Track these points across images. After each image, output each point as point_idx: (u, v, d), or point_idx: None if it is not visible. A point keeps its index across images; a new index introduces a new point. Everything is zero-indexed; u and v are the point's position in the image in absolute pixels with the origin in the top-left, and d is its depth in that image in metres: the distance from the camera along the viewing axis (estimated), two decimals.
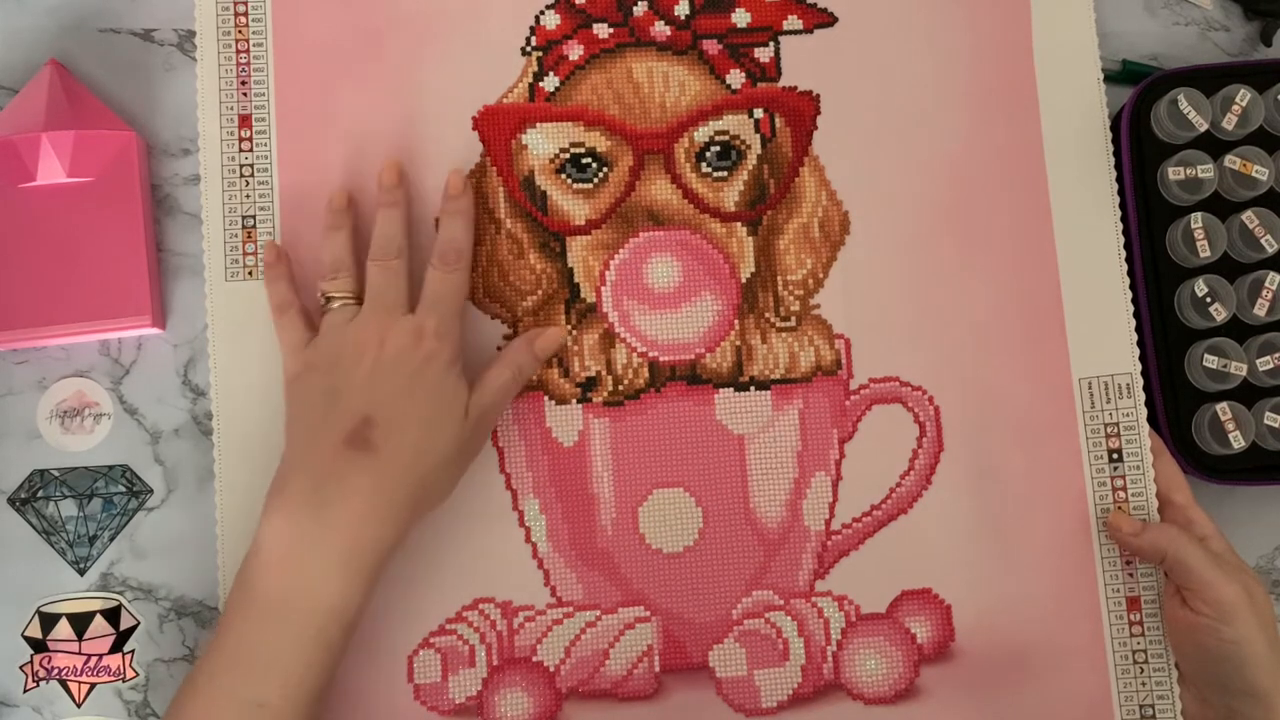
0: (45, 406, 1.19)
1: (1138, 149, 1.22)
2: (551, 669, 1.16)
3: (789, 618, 1.18)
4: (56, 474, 1.18)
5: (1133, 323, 1.20)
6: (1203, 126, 1.19)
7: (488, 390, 1.12)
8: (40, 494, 1.17)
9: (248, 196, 1.18)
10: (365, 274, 1.14)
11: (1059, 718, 1.18)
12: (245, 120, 1.19)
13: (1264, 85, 1.21)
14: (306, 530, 1.04)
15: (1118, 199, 1.22)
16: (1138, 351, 1.20)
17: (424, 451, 1.08)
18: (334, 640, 1.04)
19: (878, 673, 1.17)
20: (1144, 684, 1.17)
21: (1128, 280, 1.20)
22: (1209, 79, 1.22)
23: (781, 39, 1.22)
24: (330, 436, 1.06)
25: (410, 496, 1.07)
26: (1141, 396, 1.19)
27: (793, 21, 1.22)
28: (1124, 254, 1.21)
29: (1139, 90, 1.23)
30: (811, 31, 1.23)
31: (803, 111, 1.22)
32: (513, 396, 1.16)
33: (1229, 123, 1.20)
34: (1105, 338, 1.20)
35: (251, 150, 1.19)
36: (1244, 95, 1.20)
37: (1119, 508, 1.18)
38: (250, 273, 1.17)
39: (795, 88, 1.22)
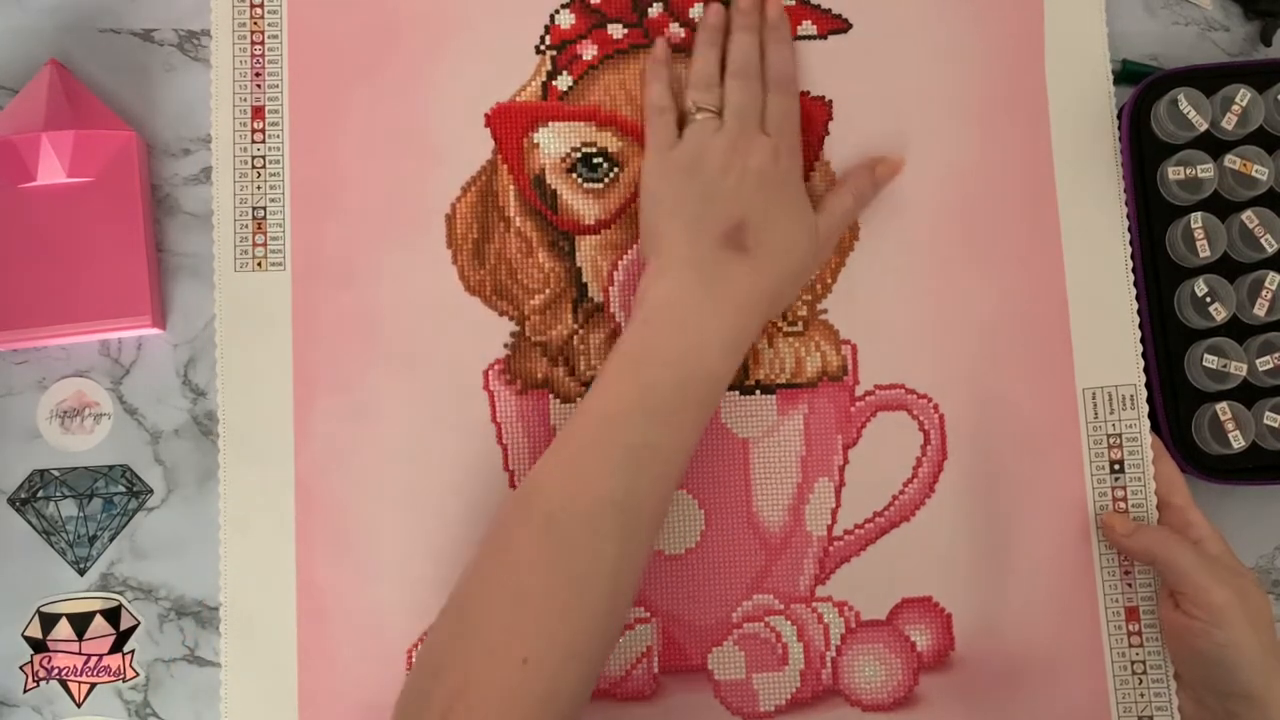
0: (45, 406, 1.18)
1: (1138, 149, 1.22)
2: None
3: (789, 622, 1.18)
4: (56, 474, 1.18)
5: (1138, 334, 1.20)
6: (1203, 126, 1.19)
7: (831, 213, 1.18)
8: (40, 494, 1.17)
9: (259, 188, 1.18)
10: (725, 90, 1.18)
11: None
12: (259, 112, 1.19)
13: (1264, 85, 1.21)
14: (700, 302, 1.10)
15: (1126, 209, 1.22)
16: (1142, 363, 1.20)
17: (788, 255, 1.14)
18: (713, 405, 1.12)
19: (876, 679, 1.18)
20: (1142, 694, 1.17)
21: (1134, 291, 1.21)
22: (1209, 79, 1.22)
23: (795, 44, 1.22)
24: (709, 234, 1.11)
25: (773, 297, 1.14)
26: (1145, 409, 1.20)
27: (806, 27, 1.22)
28: (1130, 263, 1.21)
29: (1139, 90, 1.23)
30: (825, 38, 1.23)
31: (815, 117, 1.21)
32: (851, 220, 1.21)
33: (1229, 123, 1.20)
34: (1110, 349, 1.20)
35: (264, 142, 1.18)
36: (1244, 95, 1.20)
37: (1115, 510, 1.19)
38: (259, 264, 1.17)
39: (808, 93, 1.22)
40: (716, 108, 1.16)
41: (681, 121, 1.18)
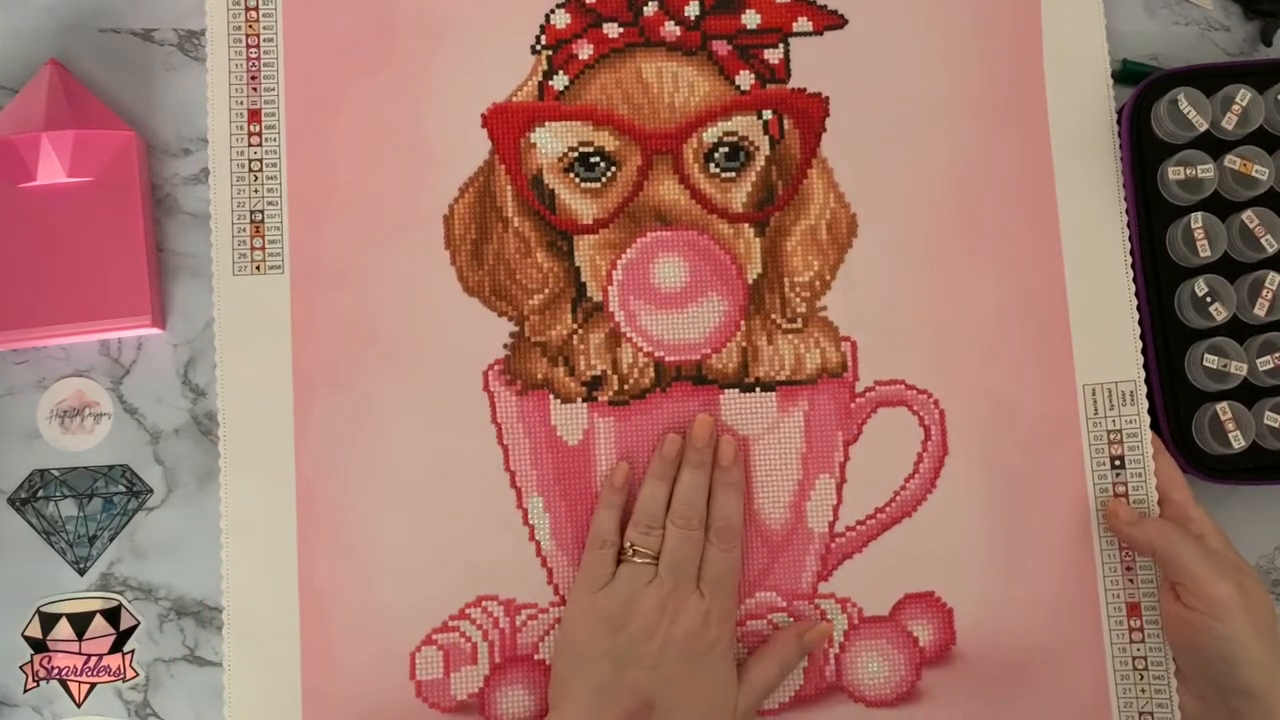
0: (45, 406, 1.18)
1: (1138, 149, 1.22)
2: (552, 667, 1.16)
3: (791, 619, 1.18)
4: (56, 474, 1.17)
5: (1137, 330, 1.21)
6: (1203, 126, 1.20)
7: (754, 688, 1.14)
8: (40, 494, 1.17)
9: (256, 191, 1.18)
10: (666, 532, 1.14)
11: None
12: (255, 115, 1.19)
13: (1264, 85, 1.22)
14: None
15: (1125, 206, 1.22)
16: (1142, 359, 1.20)
17: None
18: None
19: (879, 675, 1.18)
20: (1143, 690, 1.17)
21: (1134, 288, 1.21)
22: (1209, 79, 1.22)
23: (791, 41, 1.22)
24: (612, 711, 1.09)
25: None
26: (1145, 404, 1.20)
27: (803, 23, 1.22)
28: (1130, 260, 1.21)
29: (1139, 90, 1.23)
30: (821, 33, 1.23)
31: (811, 113, 1.22)
32: (776, 688, 1.17)
33: (1229, 123, 1.20)
34: (1110, 344, 1.21)
35: (261, 145, 1.18)
36: (1244, 95, 1.20)
37: (1118, 498, 1.19)
38: (258, 267, 1.17)
39: (804, 90, 1.22)
40: (654, 554, 1.13)
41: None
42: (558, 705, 1.11)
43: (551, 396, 1.18)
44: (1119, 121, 1.23)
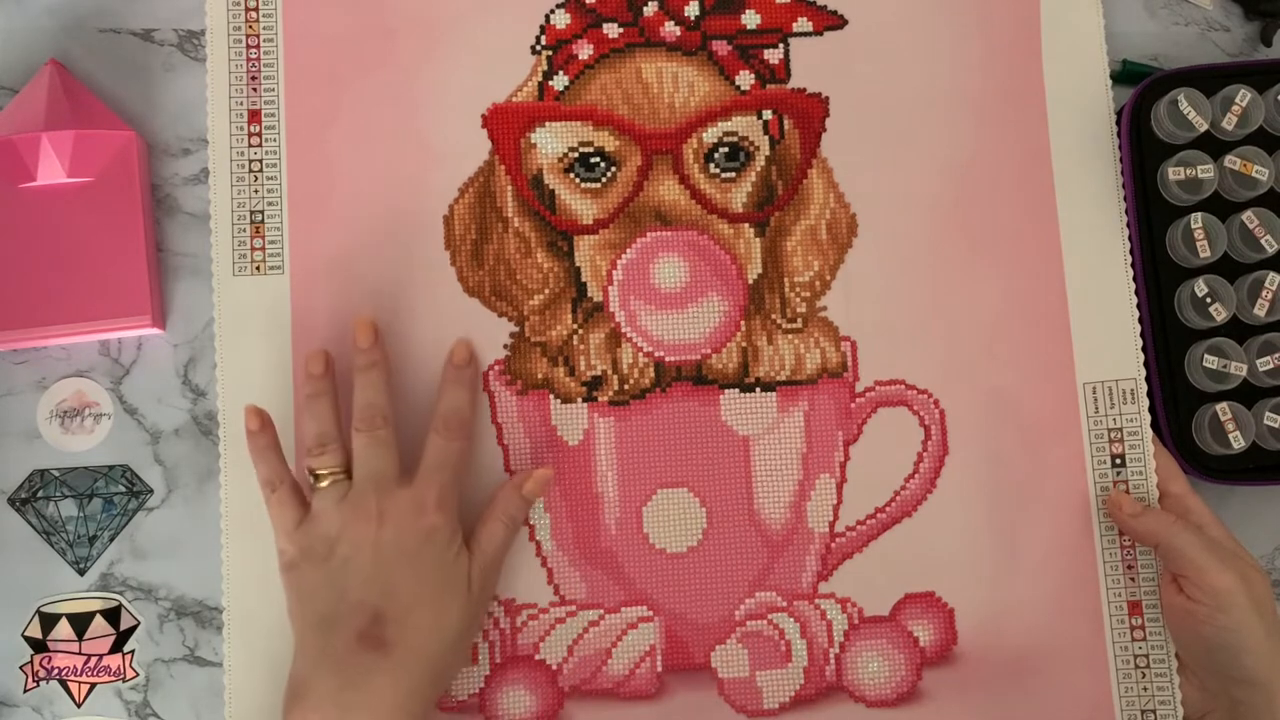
0: (45, 406, 1.18)
1: (1138, 149, 1.22)
2: (554, 667, 1.16)
3: (792, 619, 1.18)
4: (56, 474, 1.17)
5: (1137, 328, 1.20)
6: (1203, 126, 1.20)
7: (486, 553, 1.12)
8: (40, 494, 1.17)
9: (255, 192, 1.18)
10: (351, 444, 1.12)
11: None
12: (255, 116, 1.19)
13: (1264, 85, 1.21)
14: None
15: (1124, 205, 1.22)
16: (1142, 357, 1.20)
17: (437, 637, 1.07)
18: None
19: (880, 675, 1.18)
20: (1145, 688, 1.17)
21: (1134, 286, 1.21)
22: (1209, 79, 1.22)
23: (791, 41, 1.22)
24: (342, 635, 1.05)
25: (430, 681, 1.07)
26: (1145, 402, 1.20)
27: (802, 23, 1.22)
28: (1129, 258, 1.21)
29: (1139, 90, 1.23)
30: (821, 34, 1.23)
31: (811, 113, 1.22)
32: (509, 546, 1.15)
33: (1229, 123, 1.20)
34: (1110, 343, 1.21)
35: (261, 145, 1.18)
36: (1244, 95, 1.20)
37: (1120, 489, 1.19)
38: (258, 268, 1.17)
39: (804, 90, 1.22)
40: (340, 467, 1.11)
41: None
42: (295, 657, 1.08)
43: (552, 397, 1.18)
44: (1119, 122, 1.23)
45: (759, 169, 1.21)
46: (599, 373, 1.18)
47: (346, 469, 1.10)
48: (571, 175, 1.20)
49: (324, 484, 1.10)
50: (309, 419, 1.12)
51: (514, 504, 1.14)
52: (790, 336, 1.19)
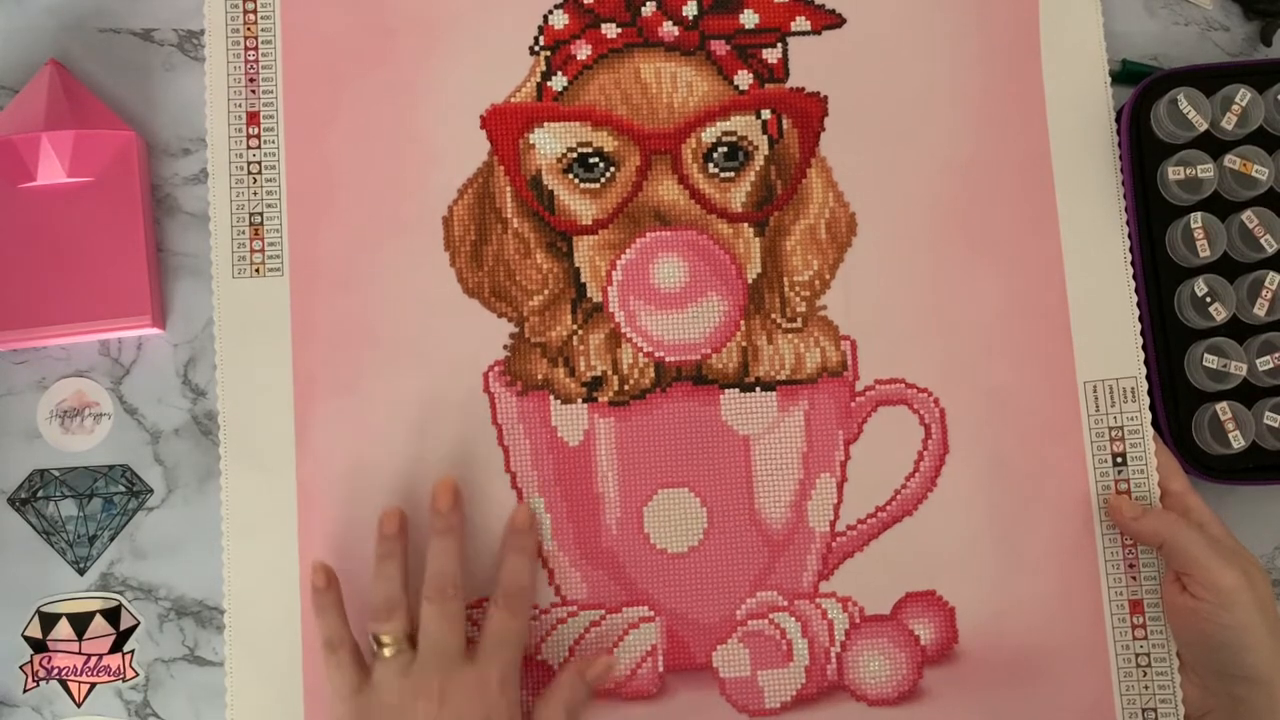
0: (45, 406, 1.18)
1: (1138, 149, 1.22)
2: (555, 668, 1.16)
3: (793, 619, 1.18)
4: (56, 474, 1.18)
5: (1138, 327, 1.20)
6: (1203, 126, 1.20)
7: None
8: (40, 494, 1.17)
9: (255, 194, 1.18)
10: (417, 607, 1.10)
11: None
12: (254, 117, 1.19)
13: (1264, 85, 1.22)
14: None
15: (1124, 203, 1.22)
16: (1142, 355, 1.20)
17: None
18: None
19: (881, 674, 1.17)
20: (1146, 687, 1.17)
21: (1134, 284, 1.21)
22: (1209, 79, 1.22)
23: (789, 40, 1.22)
24: None
25: None
26: (1146, 401, 1.20)
27: (801, 23, 1.22)
28: (1129, 256, 1.21)
29: (1139, 90, 1.23)
30: (819, 33, 1.23)
31: (810, 113, 1.22)
32: None
33: (1229, 123, 1.20)
34: (1110, 341, 1.20)
35: (259, 147, 1.18)
36: (1244, 95, 1.20)
37: (1120, 493, 1.19)
38: (257, 270, 1.17)
39: (803, 89, 1.22)
40: (406, 636, 1.08)
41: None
42: None
43: (552, 397, 1.18)
44: (1119, 121, 1.23)
45: (758, 168, 1.21)
46: (599, 373, 1.18)
47: (411, 637, 1.09)
48: (570, 175, 1.20)
49: (388, 652, 1.08)
50: (378, 580, 1.11)
51: (577, 691, 1.12)
52: (790, 336, 1.19)
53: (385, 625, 1.08)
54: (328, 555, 1.15)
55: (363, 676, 1.08)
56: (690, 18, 1.21)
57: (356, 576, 1.14)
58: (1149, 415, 1.19)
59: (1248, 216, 1.19)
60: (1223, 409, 1.18)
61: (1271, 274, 1.19)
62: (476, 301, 1.19)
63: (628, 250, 1.19)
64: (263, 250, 1.18)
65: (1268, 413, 1.19)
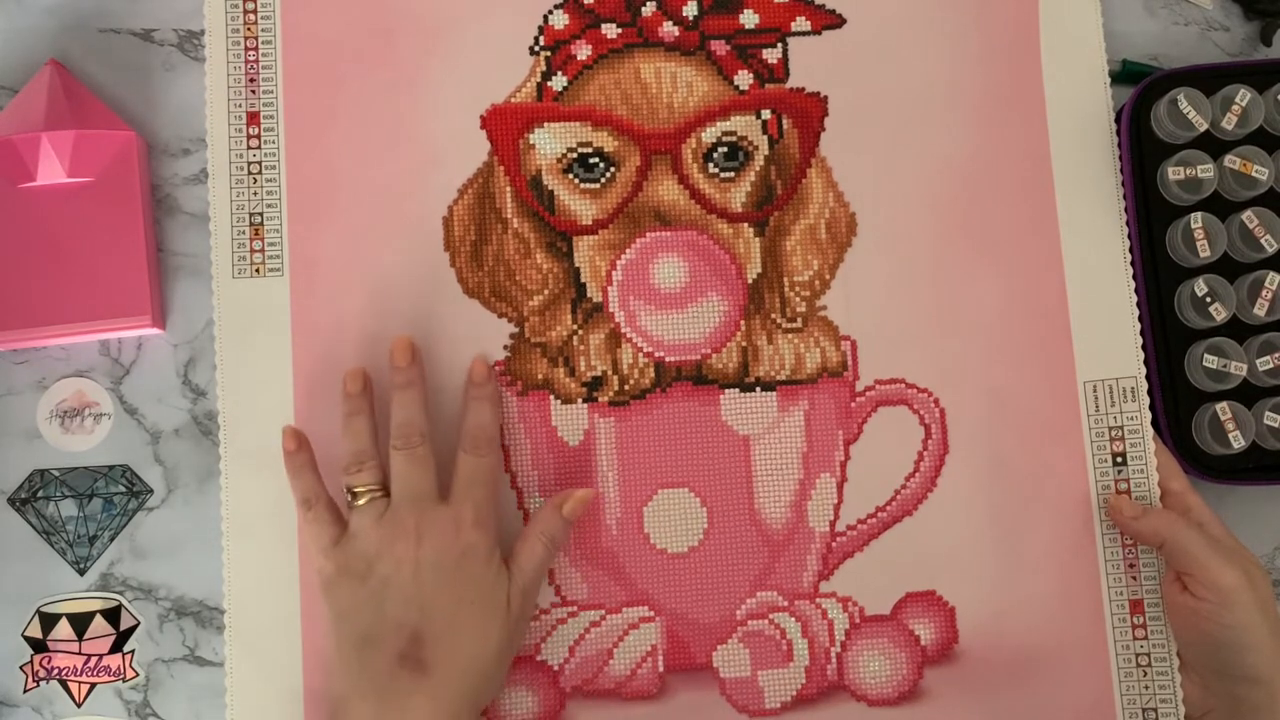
0: (45, 406, 1.18)
1: (1138, 149, 1.22)
2: (555, 668, 1.16)
3: (793, 619, 1.18)
4: (56, 474, 1.18)
5: (1138, 327, 1.20)
6: (1203, 126, 1.20)
7: (525, 572, 1.12)
8: (40, 494, 1.17)
9: (255, 194, 1.18)
10: (389, 461, 1.12)
11: None
12: (254, 117, 1.19)
13: (1264, 85, 1.21)
14: None
15: (1124, 203, 1.22)
16: (1142, 355, 1.20)
17: (476, 657, 1.08)
18: None
19: (881, 674, 1.17)
20: (1146, 687, 1.17)
21: (1134, 284, 1.21)
22: (1209, 79, 1.22)
23: (790, 40, 1.22)
24: (382, 656, 1.05)
25: (470, 701, 1.07)
26: (1146, 401, 1.20)
27: (801, 23, 1.22)
28: (1129, 256, 1.21)
29: (1139, 90, 1.23)
30: (820, 33, 1.23)
31: (810, 113, 1.22)
32: (549, 566, 1.16)
33: (1229, 123, 1.20)
34: (1110, 341, 1.20)
35: (260, 147, 1.18)
36: (1244, 95, 1.20)
37: (1120, 493, 1.19)
38: (257, 270, 1.17)
39: (803, 89, 1.22)
40: (378, 484, 1.11)
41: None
42: (334, 674, 1.08)
43: (552, 397, 1.18)
44: (1119, 121, 1.23)
45: (758, 168, 1.21)
46: (599, 373, 1.18)
47: (384, 486, 1.11)
48: (570, 176, 1.20)
49: (362, 501, 1.10)
50: (346, 436, 1.12)
51: (554, 523, 1.14)
52: (790, 336, 1.19)
53: (358, 477, 1.11)
54: None
55: (340, 529, 1.10)
56: (690, 18, 1.21)
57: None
58: (1149, 415, 1.19)
59: (1248, 216, 1.19)
60: (1223, 409, 1.18)
61: (1271, 274, 1.19)
62: (476, 302, 1.19)
63: (628, 250, 1.19)
64: (263, 250, 1.18)
65: (1268, 413, 1.19)
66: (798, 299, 1.20)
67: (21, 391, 1.19)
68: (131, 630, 1.17)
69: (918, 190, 1.22)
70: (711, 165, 1.20)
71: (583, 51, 1.21)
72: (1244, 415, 1.18)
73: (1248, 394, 1.20)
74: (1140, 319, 1.21)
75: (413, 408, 1.12)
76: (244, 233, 1.17)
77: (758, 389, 1.19)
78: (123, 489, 1.18)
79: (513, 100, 1.20)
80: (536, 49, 1.21)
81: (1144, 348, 1.20)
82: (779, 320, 1.20)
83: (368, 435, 1.12)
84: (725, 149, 1.20)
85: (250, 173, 1.18)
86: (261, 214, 1.18)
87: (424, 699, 1.04)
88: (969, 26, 1.24)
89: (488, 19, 1.22)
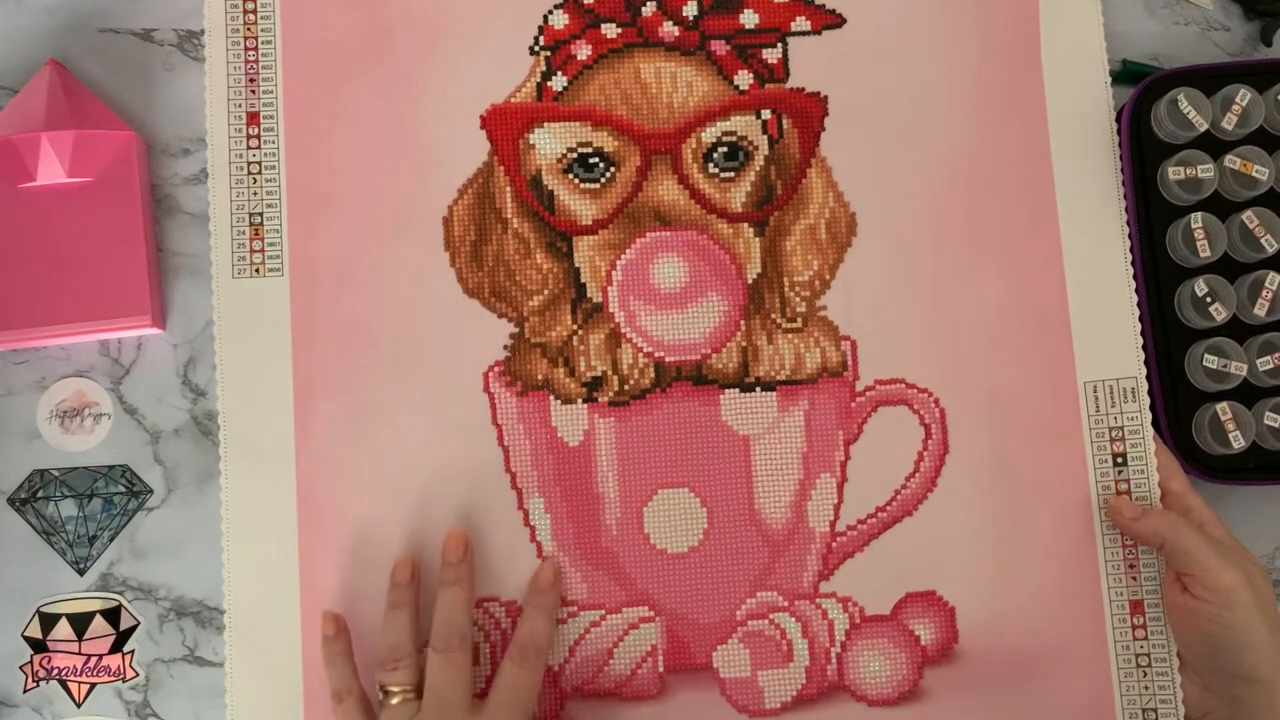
0: (45, 406, 1.18)
1: (1138, 149, 1.22)
2: (555, 668, 1.16)
3: (793, 619, 1.18)
4: (56, 474, 1.18)
5: (1138, 327, 1.20)
6: (1203, 126, 1.20)
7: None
8: (40, 494, 1.17)
9: (255, 194, 1.18)
10: (425, 660, 1.10)
11: None
12: (254, 117, 1.19)
13: (1264, 85, 1.22)
14: None
15: (1124, 203, 1.22)
16: (1143, 356, 1.20)
17: None
18: None
19: (881, 674, 1.17)
20: (1146, 687, 1.17)
21: (1134, 285, 1.21)
22: (1209, 79, 1.22)
23: (790, 40, 1.22)
24: None
25: None
26: (1146, 401, 1.19)
27: (801, 23, 1.22)
28: (1130, 256, 1.21)
29: (1139, 90, 1.23)
30: (819, 33, 1.23)
31: (810, 113, 1.22)
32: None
33: (1229, 123, 1.20)
34: (1111, 341, 1.20)
35: (259, 147, 1.18)
36: (1244, 95, 1.20)
37: (1120, 494, 1.19)
38: (257, 270, 1.17)
39: (803, 89, 1.22)
40: (412, 685, 1.09)
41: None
42: None
43: (552, 397, 1.18)
44: (1119, 121, 1.23)
45: (758, 168, 1.21)
46: (599, 373, 1.18)
47: (417, 687, 1.09)
48: (570, 176, 1.20)
49: (394, 700, 1.08)
50: (386, 630, 1.11)
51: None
52: (790, 336, 1.19)
53: (392, 675, 1.09)
54: (327, 553, 1.15)
55: None
56: (690, 18, 1.21)
57: (356, 576, 1.15)
58: (1149, 415, 1.19)
59: (1248, 216, 1.19)
60: (1223, 409, 1.18)
61: (1272, 274, 1.19)
62: (476, 302, 1.19)
63: (628, 250, 1.19)
64: (263, 250, 1.18)
65: (1268, 413, 1.19)
66: (798, 299, 1.20)
67: (21, 391, 1.19)
68: (131, 630, 1.17)
69: (918, 190, 1.22)
70: (711, 165, 1.20)
71: (583, 51, 1.21)
72: (1244, 415, 1.18)
73: (1248, 394, 1.20)
74: (1140, 319, 1.20)
75: (456, 609, 1.11)
76: (244, 233, 1.17)
77: (758, 389, 1.19)
78: (123, 489, 1.18)
79: (513, 100, 1.20)
80: (536, 49, 1.21)
81: (1144, 348, 1.20)
82: (779, 320, 1.20)
83: (407, 632, 1.10)
84: (725, 149, 1.20)
85: (250, 173, 1.18)
86: (261, 214, 1.18)
87: None
88: (969, 26, 1.24)
89: (488, 19, 1.22)
